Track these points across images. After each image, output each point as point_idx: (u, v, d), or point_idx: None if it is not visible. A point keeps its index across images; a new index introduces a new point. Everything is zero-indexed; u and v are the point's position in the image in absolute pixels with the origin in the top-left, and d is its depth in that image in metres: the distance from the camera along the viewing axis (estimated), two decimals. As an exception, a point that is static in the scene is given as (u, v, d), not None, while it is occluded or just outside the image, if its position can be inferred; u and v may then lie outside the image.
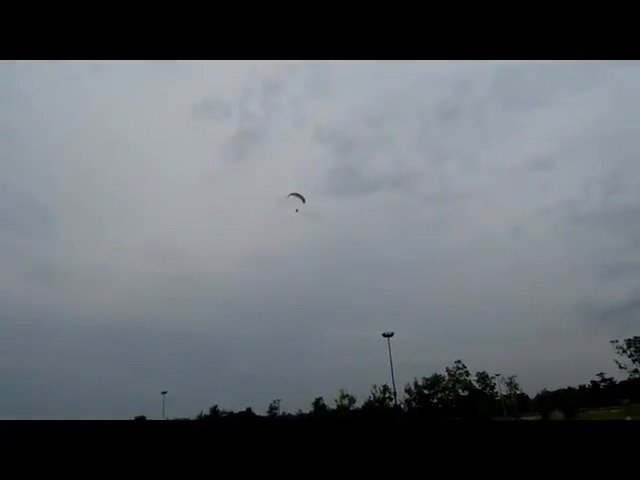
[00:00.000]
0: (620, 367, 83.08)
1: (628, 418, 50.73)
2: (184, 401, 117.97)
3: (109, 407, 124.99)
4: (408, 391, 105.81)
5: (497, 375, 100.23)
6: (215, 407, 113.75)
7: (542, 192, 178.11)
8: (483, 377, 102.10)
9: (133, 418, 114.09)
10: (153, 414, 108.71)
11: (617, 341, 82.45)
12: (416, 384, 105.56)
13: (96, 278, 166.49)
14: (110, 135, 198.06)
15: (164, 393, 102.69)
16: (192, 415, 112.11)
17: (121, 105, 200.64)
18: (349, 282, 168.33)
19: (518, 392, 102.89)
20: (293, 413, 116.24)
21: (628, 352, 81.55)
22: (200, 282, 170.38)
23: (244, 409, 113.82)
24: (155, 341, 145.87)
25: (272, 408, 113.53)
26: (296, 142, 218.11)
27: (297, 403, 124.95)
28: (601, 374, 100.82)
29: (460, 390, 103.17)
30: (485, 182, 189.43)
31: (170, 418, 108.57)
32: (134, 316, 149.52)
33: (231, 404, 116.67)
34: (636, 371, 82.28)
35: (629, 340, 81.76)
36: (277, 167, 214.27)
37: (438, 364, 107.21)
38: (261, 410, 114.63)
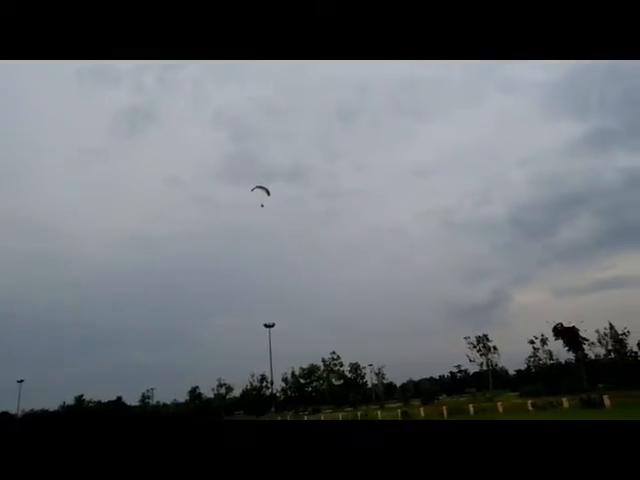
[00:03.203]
0: (470, 360, 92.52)
1: (471, 406, 56.36)
2: (45, 390, 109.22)
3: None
4: (285, 380, 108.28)
5: (370, 365, 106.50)
6: (81, 397, 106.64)
7: (422, 197, 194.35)
8: (355, 367, 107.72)
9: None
10: (6, 405, 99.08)
11: (469, 337, 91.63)
12: (293, 373, 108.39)
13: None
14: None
15: (21, 382, 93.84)
16: (53, 406, 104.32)
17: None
18: (235, 270, 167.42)
19: (386, 381, 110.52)
20: (168, 402, 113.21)
21: (477, 347, 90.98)
22: (72, 262, 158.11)
23: (114, 398, 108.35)
24: (12, 325, 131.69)
25: (145, 397, 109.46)
26: (192, 124, 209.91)
27: (173, 392, 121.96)
28: (458, 366, 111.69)
29: (334, 380, 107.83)
30: (373, 183, 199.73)
31: (26, 409, 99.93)
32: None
33: (100, 393, 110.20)
34: (482, 364, 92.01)
35: (478, 337, 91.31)
36: (169, 147, 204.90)
37: (316, 354, 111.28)
38: (133, 399, 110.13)
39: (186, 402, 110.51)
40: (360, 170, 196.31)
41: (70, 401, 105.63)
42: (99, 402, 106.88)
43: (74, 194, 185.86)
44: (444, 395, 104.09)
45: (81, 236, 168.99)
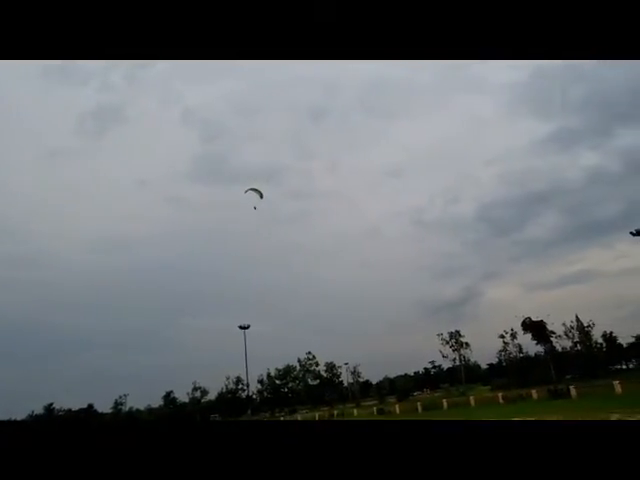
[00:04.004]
0: (443, 356, 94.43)
1: (444, 400, 57.54)
2: (11, 399, 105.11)
3: None
4: (261, 382, 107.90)
5: (345, 364, 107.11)
6: (50, 405, 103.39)
7: (394, 197, 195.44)
8: (331, 367, 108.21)
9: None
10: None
11: (442, 334, 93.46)
12: (269, 375, 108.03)
13: None
14: None
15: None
16: (21, 415, 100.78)
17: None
18: (209, 272, 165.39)
19: (362, 380, 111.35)
20: (141, 408, 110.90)
21: (450, 343, 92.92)
22: (39, 264, 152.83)
23: (85, 406, 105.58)
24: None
25: (117, 404, 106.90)
26: (161, 123, 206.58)
27: (147, 397, 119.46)
28: (432, 362, 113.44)
29: (310, 379, 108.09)
30: (346, 183, 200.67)
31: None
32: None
33: (70, 401, 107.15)
34: (455, 360, 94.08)
35: (451, 333, 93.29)
36: (140, 146, 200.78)
37: (291, 355, 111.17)
38: (105, 407, 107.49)
39: (160, 407, 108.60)
40: (332, 170, 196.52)
41: (39, 410, 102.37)
42: (69, 410, 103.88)
43: (42, 195, 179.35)
44: (427, 389, 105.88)
45: (48, 237, 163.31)
